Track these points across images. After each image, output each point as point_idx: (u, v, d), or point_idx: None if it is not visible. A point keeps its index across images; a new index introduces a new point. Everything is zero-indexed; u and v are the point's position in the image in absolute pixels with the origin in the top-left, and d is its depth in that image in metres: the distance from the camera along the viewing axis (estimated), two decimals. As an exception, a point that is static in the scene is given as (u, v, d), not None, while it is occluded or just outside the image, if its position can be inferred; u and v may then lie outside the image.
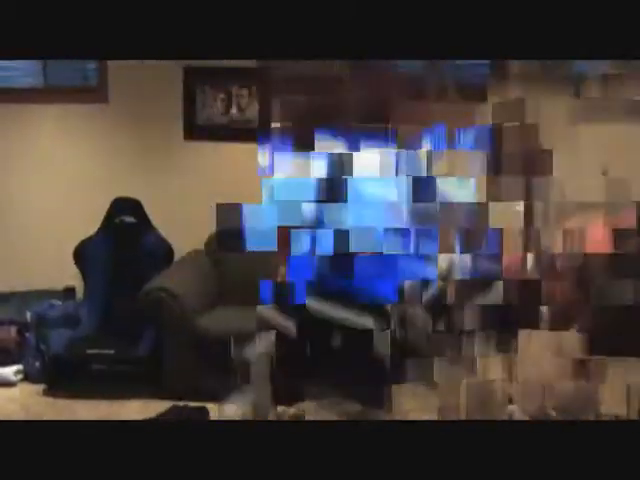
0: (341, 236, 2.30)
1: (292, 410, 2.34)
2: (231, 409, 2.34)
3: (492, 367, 2.15)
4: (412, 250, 2.20)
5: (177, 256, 4.17)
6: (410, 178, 2.25)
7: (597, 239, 2.22)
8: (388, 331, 2.24)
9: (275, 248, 2.33)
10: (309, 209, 2.29)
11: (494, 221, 2.20)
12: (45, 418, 3.34)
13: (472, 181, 2.24)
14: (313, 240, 2.32)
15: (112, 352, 3.70)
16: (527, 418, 2.11)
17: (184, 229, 4.29)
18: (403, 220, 2.23)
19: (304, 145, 2.34)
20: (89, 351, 3.72)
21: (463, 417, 2.11)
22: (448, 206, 2.23)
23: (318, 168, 2.32)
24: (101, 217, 4.23)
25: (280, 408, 2.34)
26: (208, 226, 4.21)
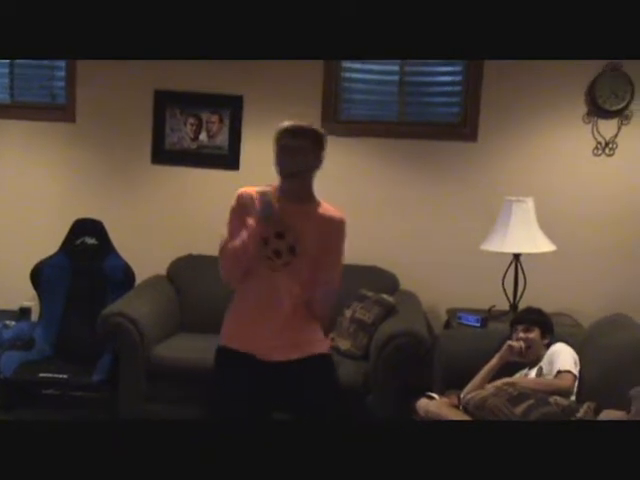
0: None
1: None
2: None
3: None
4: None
5: (138, 280, 4.09)
6: None
7: None
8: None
9: None
10: None
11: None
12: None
13: None
14: None
15: (66, 377, 3.59)
16: None
17: (146, 253, 4.23)
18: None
19: None
20: (42, 375, 3.60)
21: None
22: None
23: None
24: (62, 237, 4.14)
25: None
26: (171, 251, 4.19)
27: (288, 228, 2.43)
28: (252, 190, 2.46)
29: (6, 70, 4.43)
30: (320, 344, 2.57)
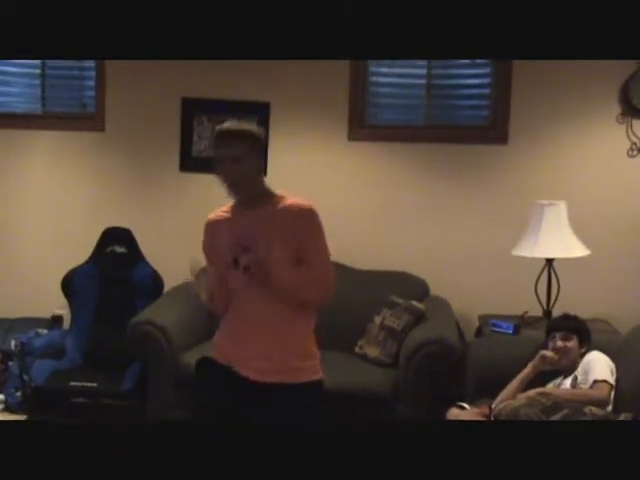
0: None
1: None
2: None
3: None
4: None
5: (167, 288, 4.10)
6: None
7: None
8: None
9: None
10: None
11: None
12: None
13: None
14: None
15: (95, 385, 3.60)
16: None
17: (175, 261, 4.21)
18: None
19: None
20: (72, 383, 3.63)
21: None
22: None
23: None
24: (92, 246, 4.17)
25: None
26: (199, 258, 4.18)
27: (251, 238, 2.29)
28: (217, 214, 2.43)
29: (37, 81, 4.48)
30: (304, 372, 2.33)
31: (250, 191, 2.33)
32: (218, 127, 2.31)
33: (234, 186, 2.30)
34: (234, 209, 2.40)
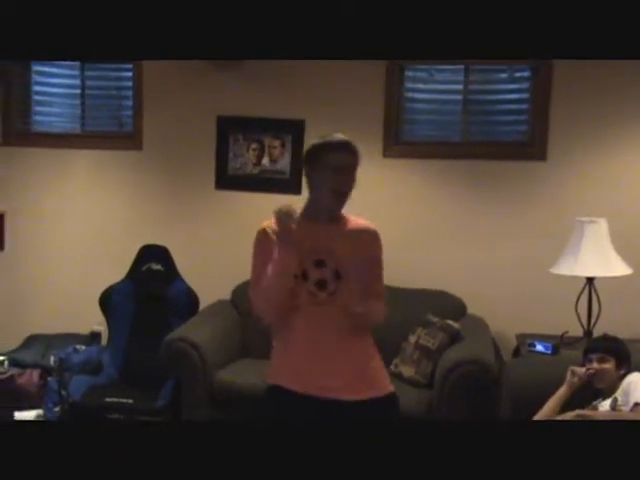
0: None
1: None
2: None
3: None
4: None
5: (202, 305, 4.12)
6: None
7: None
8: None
9: None
10: None
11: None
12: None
13: None
14: None
15: (131, 401, 3.63)
16: None
17: (211, 278, 4.25)
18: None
19: None
20: (108, 399, 3.66)
21: None
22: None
23: None
24: (129, 263, 4.22)
25: None
26: (235, 276, 4.20)
27: (327, 252, 2.24)
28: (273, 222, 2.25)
29: (77, 101, 4.58)
30: (386, 382, 2.37)
31: (343, 204, 2.31)
32: (337, 136, 2.28)
33: (345, 196, 2.27)
34: (302, 218, 2.23)
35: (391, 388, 2.37)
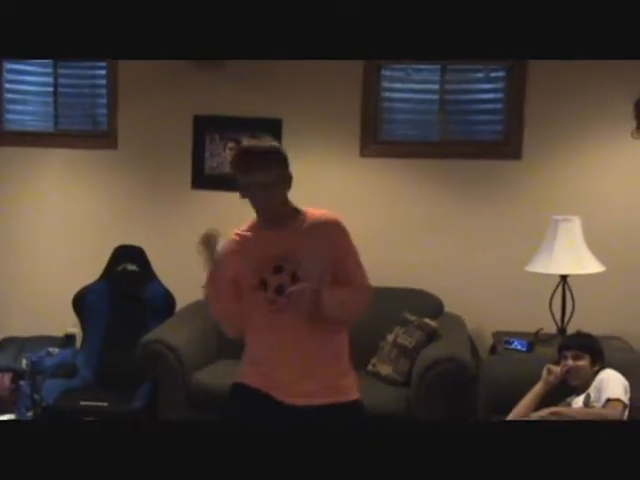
0: None
1: None
2: None
3: None
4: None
5: (179, 306, 4.09)
6: None
7: None
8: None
9: None
10: None
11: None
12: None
13: None
14: None
15: (106, 404, 3.59)
16: None
17: (187, 279, 4.19)
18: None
19: None
20: (82, 403, 3.61)
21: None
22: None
23: None
24: (104, 263, 4.17)
25: None
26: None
27: (285, 257, 2.15)
28: (237, 233, 2.24)
29: (50, 99, 4.52)
30: (350, 389, 2.27)
31: (280, 211, 2.18)
32: (243, 146, 2.10)
33: (266, 211, 2.17)
34: (256, 228, 2.24)
35: (355, 395, 2.28)
